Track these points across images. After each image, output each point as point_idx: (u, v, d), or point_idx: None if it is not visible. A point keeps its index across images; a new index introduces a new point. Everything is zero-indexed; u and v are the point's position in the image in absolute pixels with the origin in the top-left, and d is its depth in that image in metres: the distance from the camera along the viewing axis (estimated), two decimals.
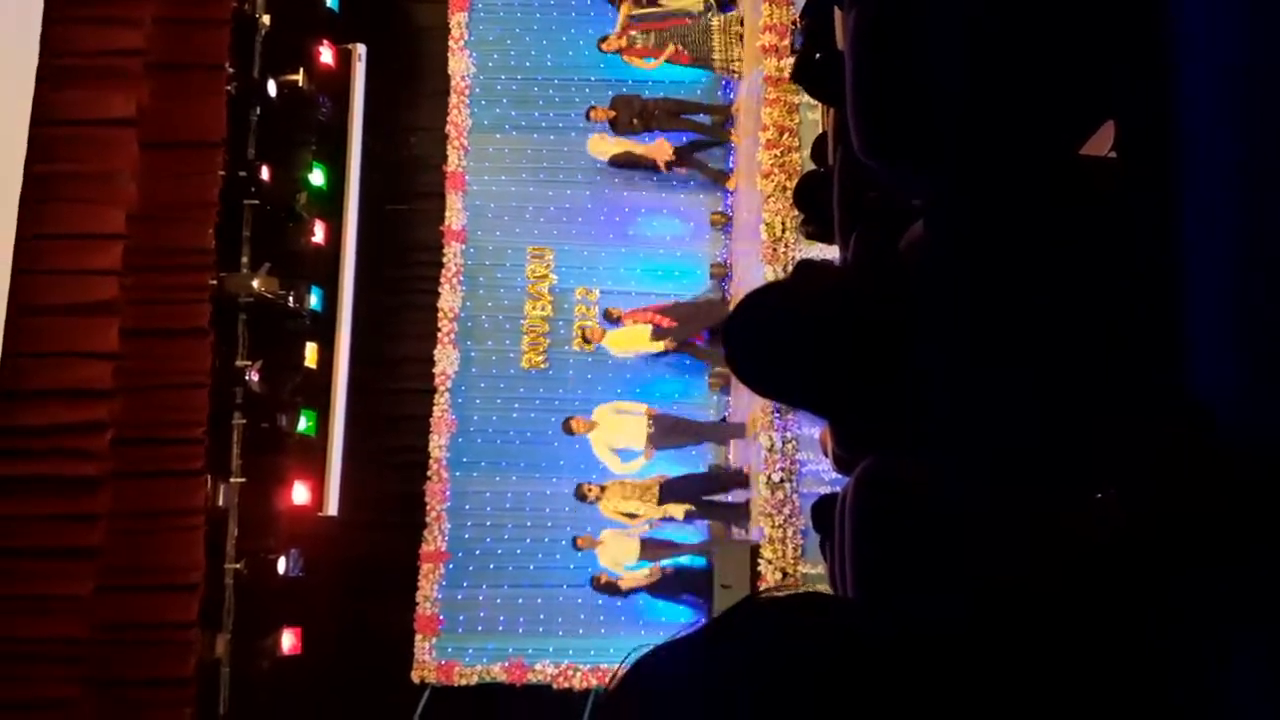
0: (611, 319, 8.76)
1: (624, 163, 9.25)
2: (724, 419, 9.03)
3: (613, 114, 9.10)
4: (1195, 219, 1.60)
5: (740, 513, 8.25)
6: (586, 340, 8.89)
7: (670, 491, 8.17)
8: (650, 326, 8.62)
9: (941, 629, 0.82)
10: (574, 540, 8.39)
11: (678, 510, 8.12)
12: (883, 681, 0.76)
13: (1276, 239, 1.49)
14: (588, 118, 9.18)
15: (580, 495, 8.25)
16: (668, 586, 8.27)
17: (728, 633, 0.82)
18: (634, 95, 9.15)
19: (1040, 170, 1.70)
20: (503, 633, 8.91)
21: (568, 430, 8.33)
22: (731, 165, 9.46)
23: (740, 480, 8.30)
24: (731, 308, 1.67)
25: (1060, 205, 1.63)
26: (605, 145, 9.22)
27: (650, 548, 8.19)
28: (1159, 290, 1.56)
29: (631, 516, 8.22)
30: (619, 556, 8.23)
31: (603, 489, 8.20)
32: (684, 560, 8.27)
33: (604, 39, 8.97)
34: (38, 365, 6.63)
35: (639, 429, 8.24)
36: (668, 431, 8.30)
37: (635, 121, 9.10)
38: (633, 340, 8.67)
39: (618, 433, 8.29)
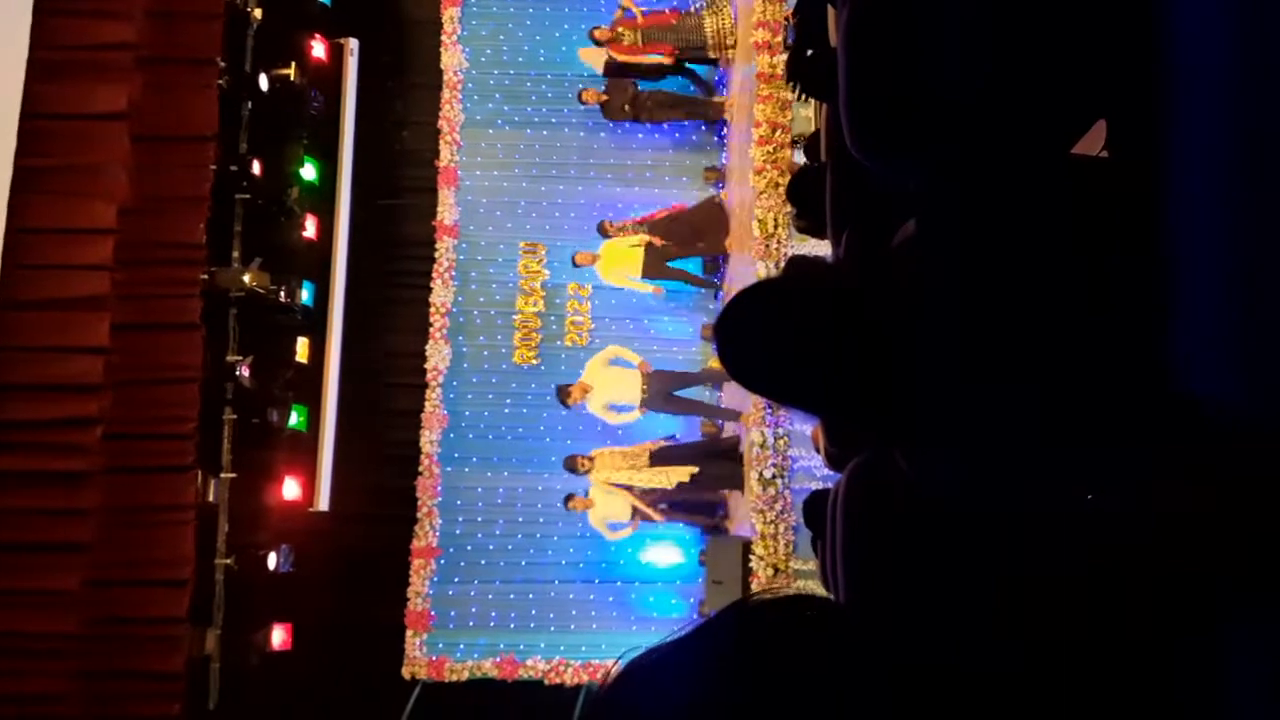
0: (606, 233, 8.79)
1: (615, 71, 9.14)
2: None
3: (605, 97, 9.12)
4: (1187, 217, 1.60)
5: (734, 481, 8.16)
6: (577, 265, 8.87)
7: (660, 459, 8.18)
8: (644, 240, 8.62)
9: (939, 649, 0.82)
10: (565, 499, 8.38)
11: (668, 478, 8.12)
12: (875, 693, 0.76)
13: (1269, 237, 1.50)
14: (580, 100, 9.23)
15: (571, 467, 8.24)
16: (670, 516, 8.36)
17: (719, 638, 0.82)
18: (629, 81, 9.15)
19: (1032, 168, 1.70)
20: (494, 628, 8.91)
21: (564, 401, 8.31)
22: (724, 161, 9.46)
23: (733, 446, 8.25)
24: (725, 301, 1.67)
25: (1051, 202, 1.63)
26: (596, 55, 9.19)
27: (640, 515, 8.20)
28: (1151, 289, 1.56)
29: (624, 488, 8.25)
30: (609, 515, 8.25)
31: (592, 460, 8.19)
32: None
33: (597, 28, 9.05)
34: (28, 360, 6.60)
35: (634, 383, 8.25)
36: (665, 398, 8.29)
37: (626, 108, 9.12)
38: (624, 260, 8.63)
39: (612, 387, 8.30)
